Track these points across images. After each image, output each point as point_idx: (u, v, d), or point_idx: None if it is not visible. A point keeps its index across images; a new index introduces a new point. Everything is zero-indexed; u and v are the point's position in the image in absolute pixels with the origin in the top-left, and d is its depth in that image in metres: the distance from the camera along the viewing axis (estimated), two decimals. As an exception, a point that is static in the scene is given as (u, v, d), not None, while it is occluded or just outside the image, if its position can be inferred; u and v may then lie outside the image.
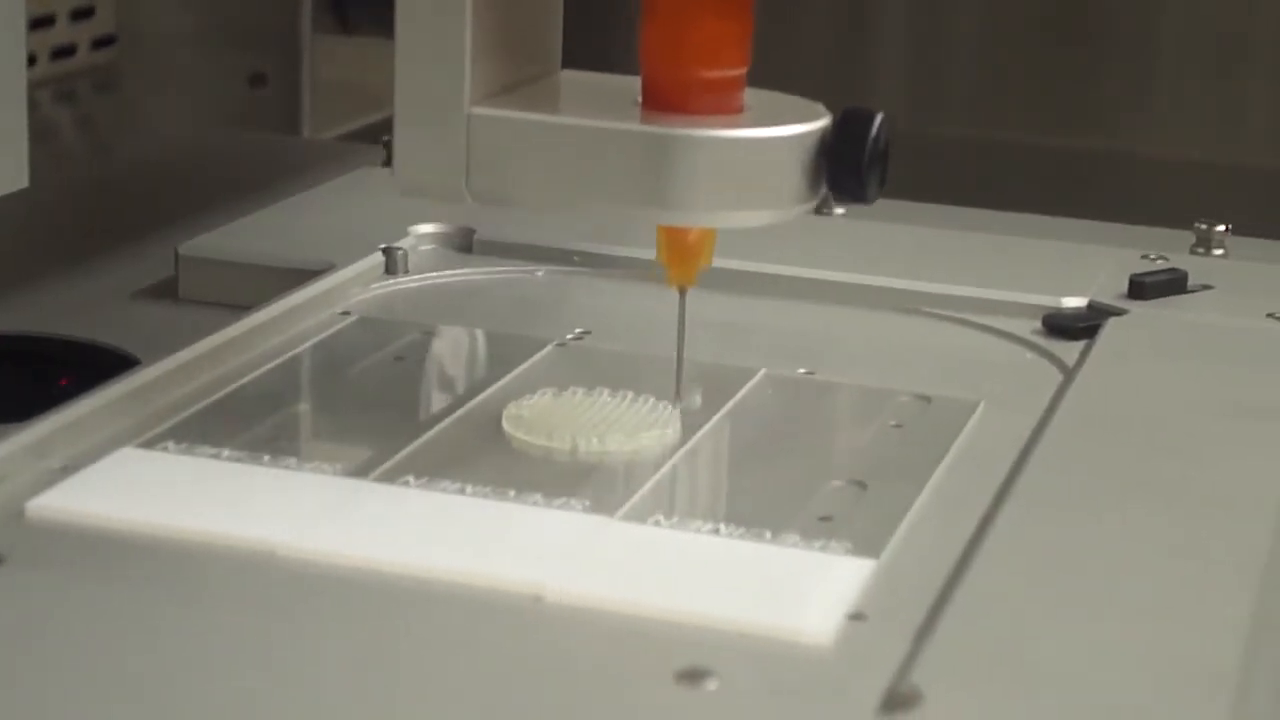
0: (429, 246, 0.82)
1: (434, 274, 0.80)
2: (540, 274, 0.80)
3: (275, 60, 1.30)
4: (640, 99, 0.61)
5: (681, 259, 0.64)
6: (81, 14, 1.24)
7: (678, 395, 0.65)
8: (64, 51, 1.23)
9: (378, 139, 0.92)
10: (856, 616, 0.53)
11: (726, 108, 0.61)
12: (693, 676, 0.49)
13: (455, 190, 0.61)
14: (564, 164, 0.60)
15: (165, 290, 0.80)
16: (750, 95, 0.61)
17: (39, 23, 1.20)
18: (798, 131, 0.60)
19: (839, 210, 0.90)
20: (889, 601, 0.54)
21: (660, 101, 0.61)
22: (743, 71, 0.61)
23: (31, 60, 1.12)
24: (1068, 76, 1.26)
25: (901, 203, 0.88)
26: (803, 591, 0.54)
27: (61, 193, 0.95)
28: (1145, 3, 1.23)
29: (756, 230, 0.82)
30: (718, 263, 0.79)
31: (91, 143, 1.24)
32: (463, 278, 0.80)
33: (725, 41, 0.60)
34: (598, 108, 0.61)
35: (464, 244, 0.82)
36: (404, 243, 0.80)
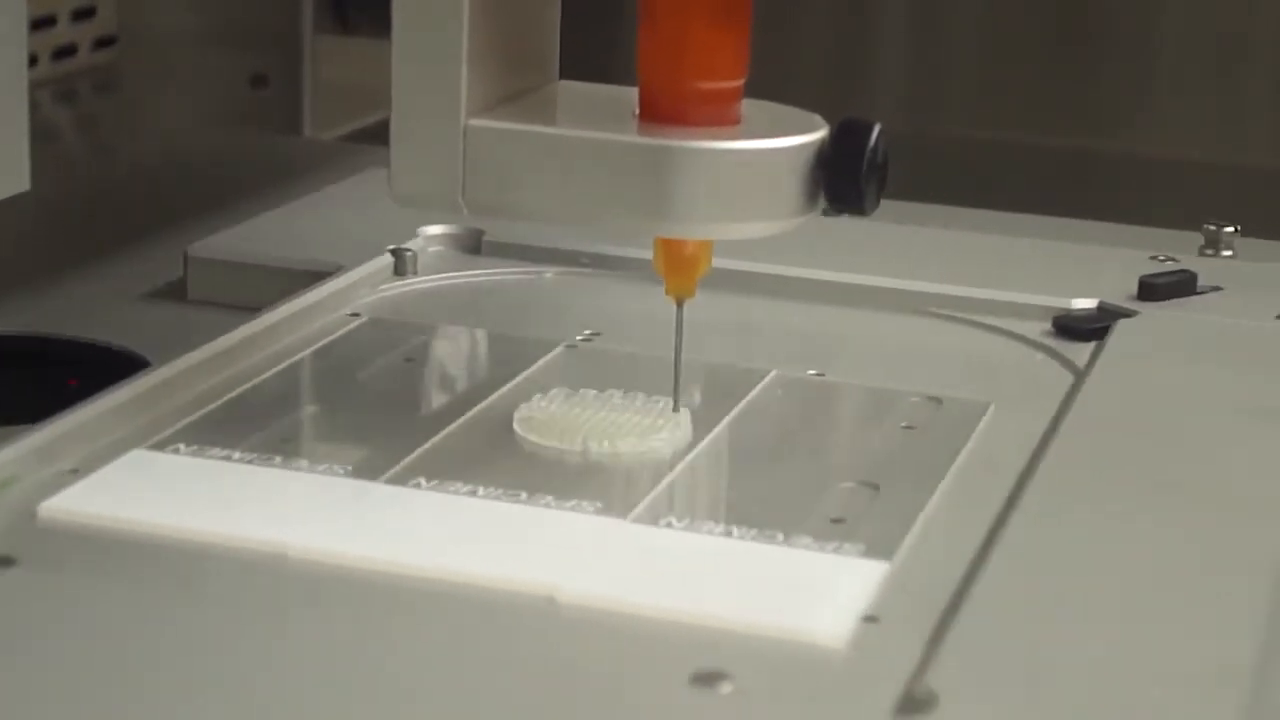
0: (438, 248, 0.82)
1: (443, 275, 0.80)
2: (549, 275, 0.80)
3: (276, 60, 1.30)
4: (638, 110, 0.61)
5: (679, 270, 0.64)
6: (82, 14, 1.24)
7: (676, 407, 0.65)
8: (65, 52, 1.23)
9: (380, 139, 0.92)
10: (870, 619, 0.53)
11: (724, 119, 0.60)
12: (708, 679, 0.49)
13: (451, 202, 0.61)
14: (561, 176, 0.60)
15: (174, 291, 0.80)
16: (748, 106, 0.61)
17: (40, 23, 1.20)
18: (795, 143, 0.60)
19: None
20: (903, 604, 0.53)
21: (657, 113, 0.60)
22: (740, 83, 0.61)
23: (33, 61, 1.12)
24: (1068, 76, 1.25)
25: (908, 204, 0.88)
26: (816, 594, 0.54)
27: (66, 194, 0.95)
28: (1145, 3, 1.23)
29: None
30: (726, 263, 0.79)
31: (92, 143, 1.24)
32: (472, 279, 0.80)
33: (722, 53, 0.60)
34: (595, 119, 0.61)
35: (473, 245, 0.82)
36: (413, 244, 0.80)
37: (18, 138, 0.71)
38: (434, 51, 0.60)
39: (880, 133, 0.60)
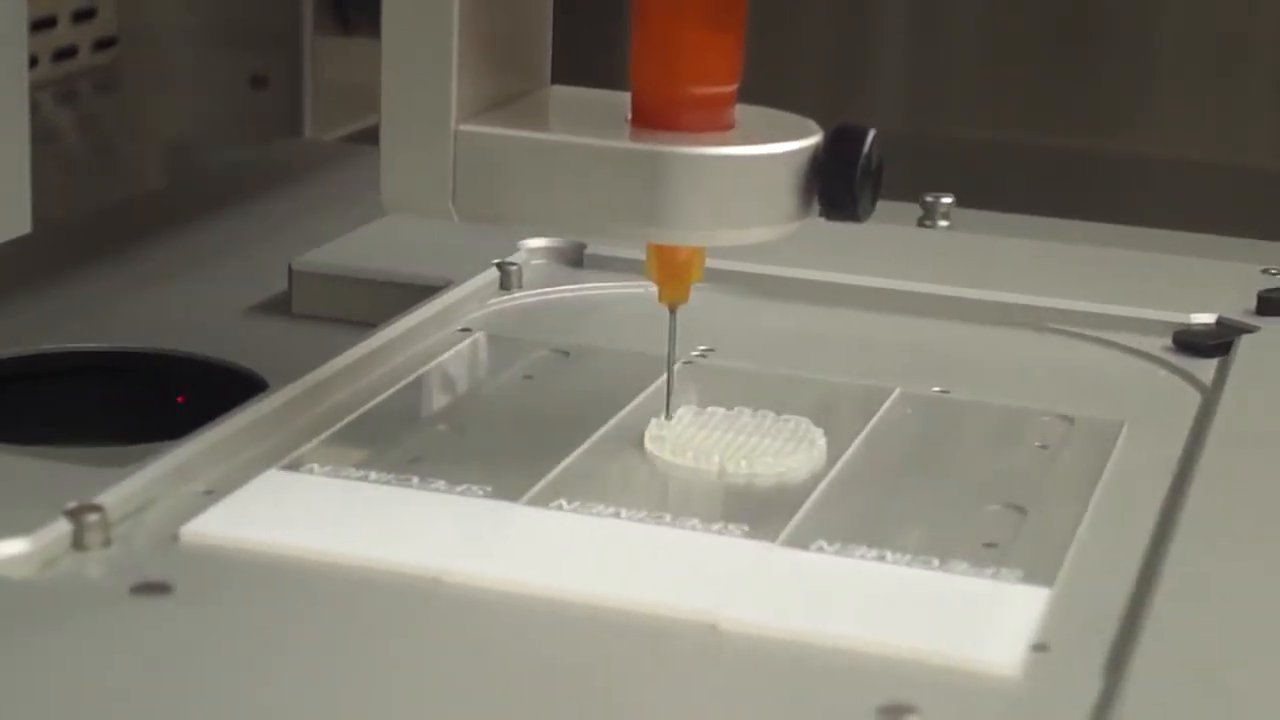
0: (540, 261, 0.81)
1: (548, 289, 0.79)
2: (653, 289, 0.79)
3: (276, 62, 1.29)
4: (630, 115, 0.60)
5: (672, 277, 0.63)
6: (83, 15, 1.24)
7: (668, 415, 0.64)
8: (65, 53, 1.22)
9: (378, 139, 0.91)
10: (1040, 647, 0.52)
11: (717, 124, 0.60)
12: (896, 712, 0.48)
13: (442, 208, 0.60)
14: (552, 182, 0.59)
15: (279, 305, 0.78)
16: (741, 111, 0.60)
17: (40, 24, 1.19)
18: (789, 149, 0.59)
19: (944, 223, 0.89)
20: (1070, 631, 0.52)
21: (650, 118, 0.60)
22: (733, 88, 0.60)
23: (33, 62, 1.11)
24: (1068, 76, 1.25)
25: (1010, 216, 0.88)
26: (984, 621, 0.53)
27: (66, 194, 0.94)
28: (1145, 3, 1.23)
29: (869, 244, 0.82)
30: (835, 277, 0.79)
31: (93, 144, 1.23)
32: (577, 293, 0.79)
33: (715, 58, 0.59)
34: (587, 125, 0.60)
35: (575, 258, 0.81)
36: (516, 257, 0.79)
37: (19, 181, 0.70)
38: (424, 55, 0.59)
39: (875, 138, 0.59)
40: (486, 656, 0.51)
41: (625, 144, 0.59)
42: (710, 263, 0.79)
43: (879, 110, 1.29)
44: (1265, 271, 0.80)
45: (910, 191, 0.89)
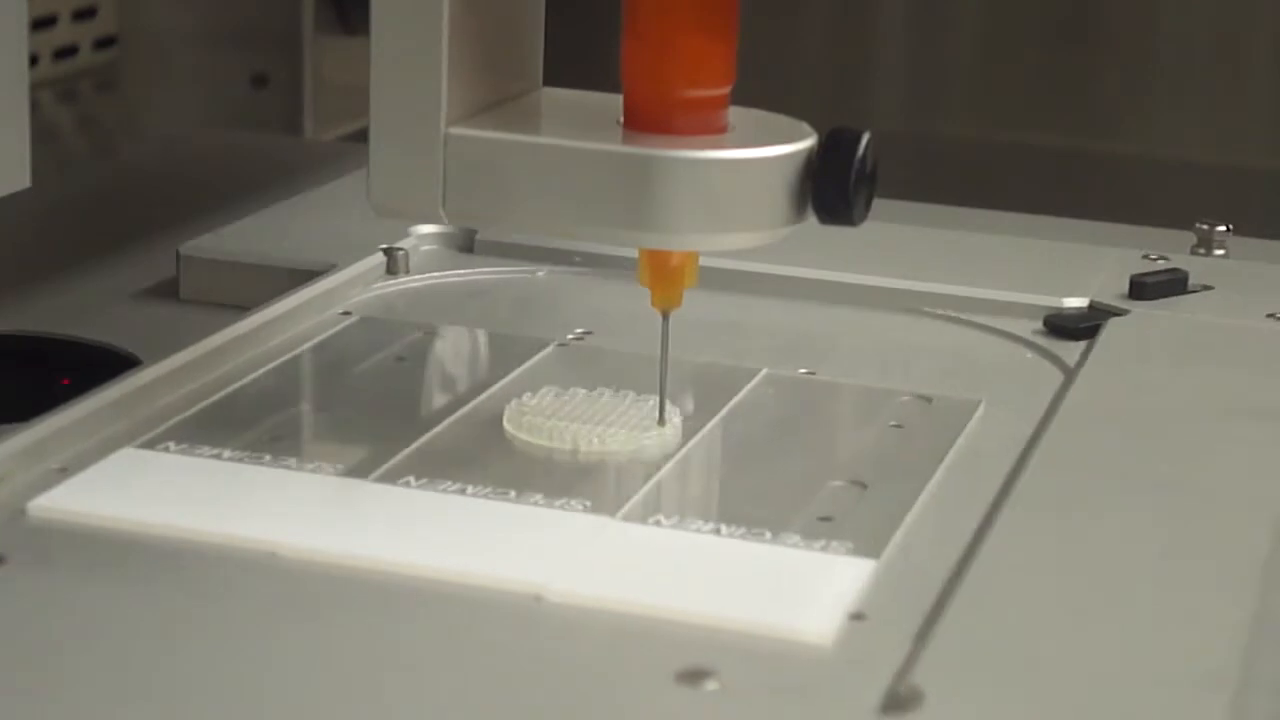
0: (430, 246, 0.82)
1: (435, 274, 0.80)
2: (541, 274, 0.80)
3: (277, 61, 1.30)
4: (622, 118, 0.60)
5: (664, 281, 0.63)
6: (83, 14, 1.25)
7: (661, 419, 0.64)
8: (66, 52, 1.23)
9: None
10: (857, 616, 0.53)
11: (709, 127, 0.59)
12: (693, 676, 0.49)
13: (432, 212, 0.60)
14: (543, 184, 0.59)
15: (166, 290, 0.80)
16: (735, 114, 0.60)
17: (41, 23, 1.20)
18: (783, 152, 0.59)
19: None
20: (890, 602, 0.54)
21: (642, 121, 0.59)
22: (726, 90, 0.60)
23: (34, 60, 1.13)
24: (1068, 76, 1.26)
25: (900, 202, 0.88)
26: (803, 591, 0.54)
27: (62, 193, 0.95)
28: (1145, 3, 1.23)
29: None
30: (717, 262, 0.79)
31: (93, 143, 1.24)
32: (464, 278, 0.80)
33: (708, 61, 0.59)
34: (578, 127, 0.60)
35: (465, 244, 0.82)
36: (405, 243, 0.80)
37: (19, 135, 0.71)
38: (413, 56, 0.59)
39: (869, 142, 0.59)
40: (312, 630, 0.52)
41: (616, 147, 0.59)
42: (596, 249, 0.81)
43: (879, 110, 1.30)
44: (1145, 257, 0.81)
45: (909, 191, 0.90)
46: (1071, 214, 0.93)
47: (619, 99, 0.61)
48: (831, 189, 0.59)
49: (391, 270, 0.79)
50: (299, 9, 1.29)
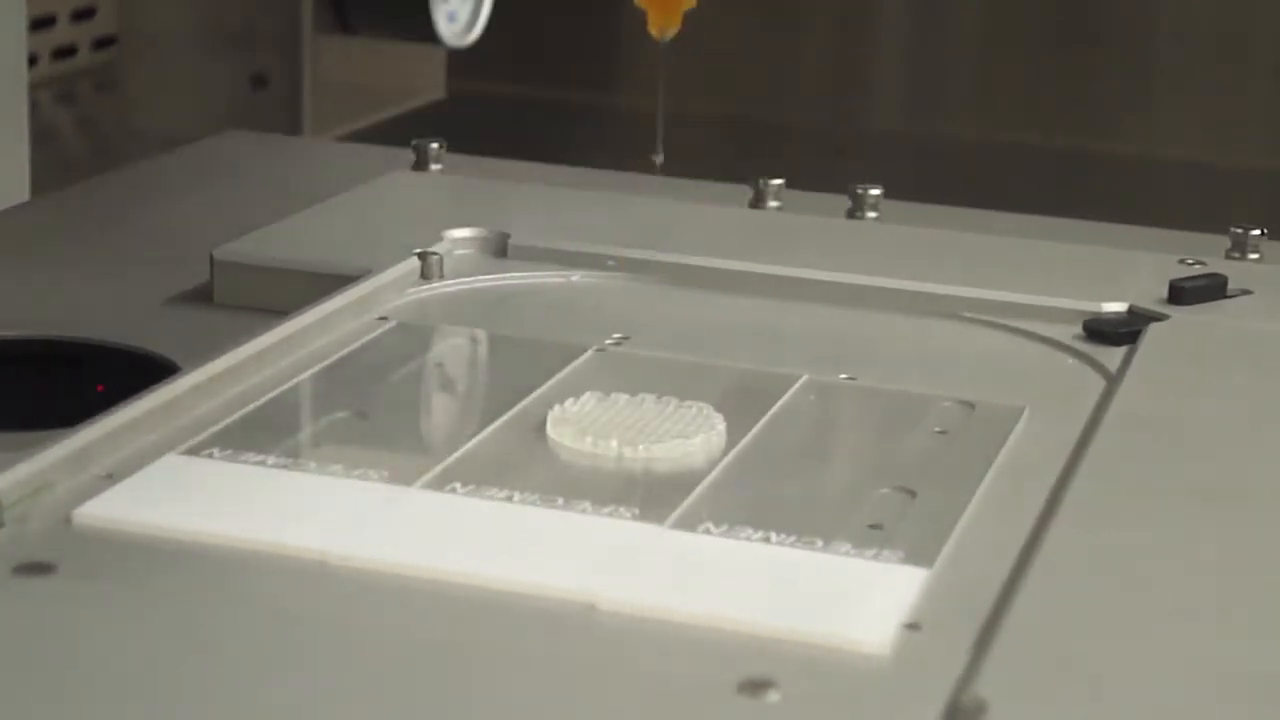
0: (464, 251, 0.82)
1: (470, 279, 0.80)
2: (576, 279, 0.80)
3: (276, 61, 1.30)
4: None
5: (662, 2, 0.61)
6: (82, 14, 1.24)
7: (657, 150, 0.63)
8: (65, 52, 1.23)
9: (380, 139, 0.92)
10: (912, 626, 0.52)
11: None
12: (755, 687, 0.49)
13: None
14: None
15: (200, 295, 0.79)
16: None
17: (40, 23, 1.20)
18: None
19: (872, 214, 0.90)
20: (944, 611, 0.53)
21: None
22: None
23: (33, 60, 1.12)
24: (1068, 76, 1.26)
25: (937, 206, 0.88)
26: (857, 600, 0.54)
27: (72, 193, 0.95)
28: (1145, 3, 1.23)
29: (792, 235, 0.83)
30: (754, 267, 0.79)
31: (92, 143, 1.24)
32: (498, 283, 0.80)
33: None
34: None
35: (499, 249, 0.82)
36: (439, 247, 0.80)
37: (19, 149, 0.71)
38: None
39: None
40: (367, 637, 0.51)
41: None
42: (626, 252, 0.80)
43: (879, 110, 1.30)
44: (1182, 261, 0.81)
45: (909, 192, 0.89)
46: (1072, 214, 0.92)
47: None
48: None
49: (426, 275, 0.79)
50: (298, 9, 1.29)
